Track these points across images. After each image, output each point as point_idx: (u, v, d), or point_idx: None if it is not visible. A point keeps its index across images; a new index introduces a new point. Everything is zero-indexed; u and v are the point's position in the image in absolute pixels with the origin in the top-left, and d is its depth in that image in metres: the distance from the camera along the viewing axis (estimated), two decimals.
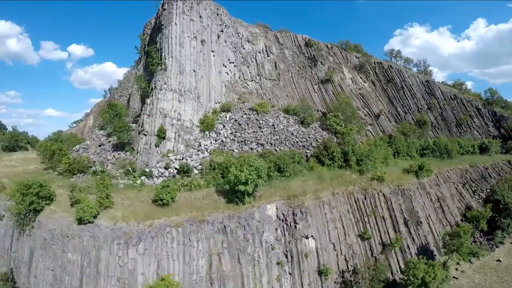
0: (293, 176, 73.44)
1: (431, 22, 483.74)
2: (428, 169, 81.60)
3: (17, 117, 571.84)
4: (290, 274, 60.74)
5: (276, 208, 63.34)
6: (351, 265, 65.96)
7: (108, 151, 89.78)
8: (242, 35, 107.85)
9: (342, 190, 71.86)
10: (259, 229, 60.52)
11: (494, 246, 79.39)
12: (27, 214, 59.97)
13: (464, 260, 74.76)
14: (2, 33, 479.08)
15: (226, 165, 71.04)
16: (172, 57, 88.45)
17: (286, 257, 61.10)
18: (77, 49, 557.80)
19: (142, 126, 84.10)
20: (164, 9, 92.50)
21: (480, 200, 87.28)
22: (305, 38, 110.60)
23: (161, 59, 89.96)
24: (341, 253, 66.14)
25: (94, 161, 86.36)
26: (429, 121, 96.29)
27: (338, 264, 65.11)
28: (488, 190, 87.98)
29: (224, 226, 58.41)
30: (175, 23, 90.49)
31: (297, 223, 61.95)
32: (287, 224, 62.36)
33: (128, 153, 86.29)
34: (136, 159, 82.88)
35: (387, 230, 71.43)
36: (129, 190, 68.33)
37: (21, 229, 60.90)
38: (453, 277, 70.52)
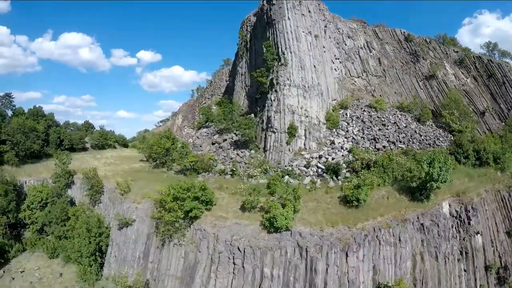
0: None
1: (501, 8, 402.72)
2: None
3: (92, 119, 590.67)
4: (465, 270, 54.29)
5: (449, 205, 56.25)
6: (503, 262, 59.36)
7: (228, 149, 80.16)
8: (342, 30, 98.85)
9: (490, 188, 64.31)
10: (446, 226, 53.28)
11: None
12: (177, 221, 49.31)
13: None
14: (75, 44, 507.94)
15: (382, 162, 62.27)
16: (291, 52, 79.38)
17: (461, 253, 54.62)
18: (146, 55, 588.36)
19: (268, 123, 75.22)
20: (273, 4, 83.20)
21: None
22: (404, 32, 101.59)
23: (277, 55, 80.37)
24: (496, 249, 59.74)
25: (216, 159, 76.92)
26: None
27: (495, 260, 58.57)
28: None
29: (421, 224, 50.68)
30: (288, 18, 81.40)
31: (470, 219, 55.53)
32: (460, 221, 55.66)
33: (252, 151, 76.68)
34: (265, 157, 73.63)
35: None
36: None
37: (168, 238, 50.34)
38: None
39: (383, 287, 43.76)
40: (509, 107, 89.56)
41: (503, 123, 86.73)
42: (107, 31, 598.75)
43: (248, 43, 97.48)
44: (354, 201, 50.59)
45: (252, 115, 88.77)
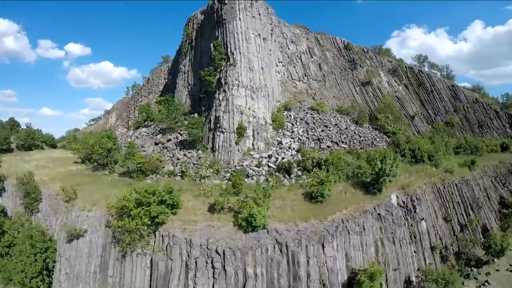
0: None
1: (428, 24, 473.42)
2: (477, 164, 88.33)
3: (14, 116, 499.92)
4: (415, 252, 62.45)
5: (397, 197, 64.50)
6: (444, 243, 69.51)
7: (174, 149, 79.63)
8: (286, 35, 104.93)
9: (427, 181, 74.80)
10: (398, 215, 61.20)
11: None
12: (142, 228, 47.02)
13: (509, 237, 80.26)
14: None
15: (333, 161, 67.97)
16: (240, 53, 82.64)
17: (411, 237, 62.88)
18: (75, 48, 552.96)
19: (217, 123, 77.09)
20: (225, 4, 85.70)
21: (508, 191, 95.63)
22: (344, 41, 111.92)
23: (226, 54, 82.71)
24: (437, 233, 69.73)
25: (162, 161, 75.77)
26: (457, 122, 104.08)
27: (437, 242, 68.21)
28: None
29: (378, 214, 57.58)
30: (239, 18, 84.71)
31: (416, 208, 64.50)
32: (407, 210, 64.17)
33: (200, 151, 77.29)
34: (213, 157, 75.16)
35: (462, 213, 76.65)
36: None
37: (129, 247, 47.76)
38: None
39: (357, 271, 48.07)
40: (436, 113, 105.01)
41: (431, 126, 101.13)
42: (35, 19, 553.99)
43: (194, 41, 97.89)
44: (319, 197, 54.94)
45: (196, 114, 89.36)
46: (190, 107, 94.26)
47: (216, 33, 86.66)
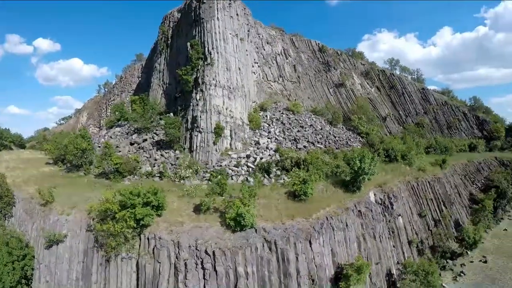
0: None
1: (399, 28, 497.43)
2: (448, 162, 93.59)
3: None
4: (393, 246, 65.66)
5: (375, 194, 67.45)
6: (419, 237, 73.39)
7: (151, 149, 78.98)
8: (262, 36, 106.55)
9: (402, 179, 78.55)
10: (377, 211, 64.15)
11: (498, 221, 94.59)
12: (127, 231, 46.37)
13: (480, 230, 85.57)
14: None
15: (311, 160, 69.71)
16: (218, 53, 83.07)
17: (389, 233, 66.19)
18: (43, 44, 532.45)
19: (194, 123, 77.15)
20: (203, 3, 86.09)
21: (477, 188, 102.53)
22: (318, 43, 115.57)
23: (203, 54, 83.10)
24: (413, 228, 73.53)
25: (139, 161, 74.86)
26: (427, 123, 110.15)
27: (413, 237, 71.92)
28: (482, 181, 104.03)
29: (359, 211, 59.94)
30: (217, 18, 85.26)
31: (393, 205, 68.07)
32: (385, 206, 67.42)
33: (177, 151, 77.05)
34: (191, 157, 75.22)
35: (435, 209, 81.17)
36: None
37: (114, 251, 46.87)
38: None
39: (343, 266, 50.03)
40: (407, 114, 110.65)
41: (402, 127, 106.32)
42: (3, 12, 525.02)
43: (170, 39, 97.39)
44: (302, 195, 56.58)
45: (171, 114, 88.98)
46: (165, 106, 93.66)
47: (194, 32, 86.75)
